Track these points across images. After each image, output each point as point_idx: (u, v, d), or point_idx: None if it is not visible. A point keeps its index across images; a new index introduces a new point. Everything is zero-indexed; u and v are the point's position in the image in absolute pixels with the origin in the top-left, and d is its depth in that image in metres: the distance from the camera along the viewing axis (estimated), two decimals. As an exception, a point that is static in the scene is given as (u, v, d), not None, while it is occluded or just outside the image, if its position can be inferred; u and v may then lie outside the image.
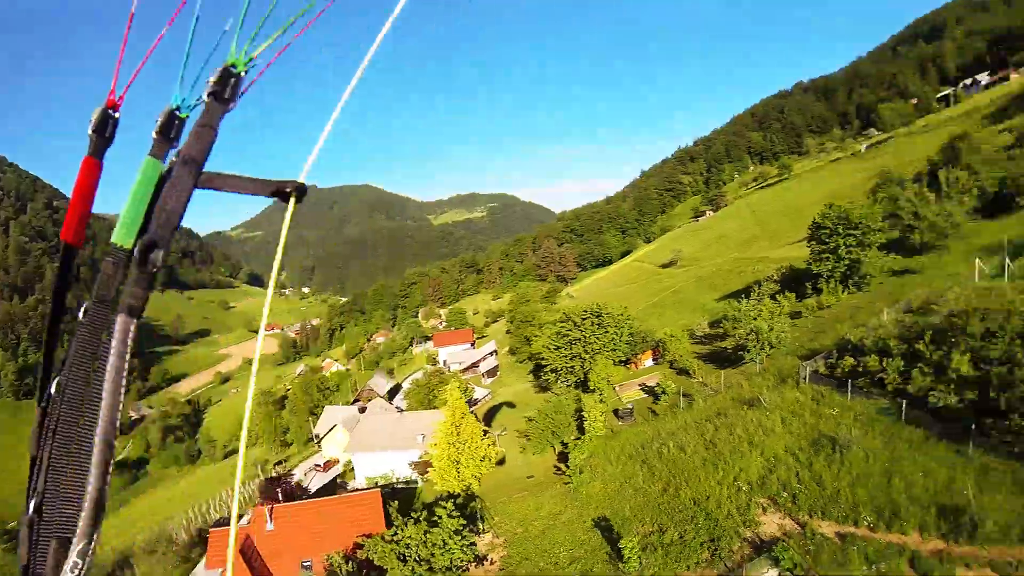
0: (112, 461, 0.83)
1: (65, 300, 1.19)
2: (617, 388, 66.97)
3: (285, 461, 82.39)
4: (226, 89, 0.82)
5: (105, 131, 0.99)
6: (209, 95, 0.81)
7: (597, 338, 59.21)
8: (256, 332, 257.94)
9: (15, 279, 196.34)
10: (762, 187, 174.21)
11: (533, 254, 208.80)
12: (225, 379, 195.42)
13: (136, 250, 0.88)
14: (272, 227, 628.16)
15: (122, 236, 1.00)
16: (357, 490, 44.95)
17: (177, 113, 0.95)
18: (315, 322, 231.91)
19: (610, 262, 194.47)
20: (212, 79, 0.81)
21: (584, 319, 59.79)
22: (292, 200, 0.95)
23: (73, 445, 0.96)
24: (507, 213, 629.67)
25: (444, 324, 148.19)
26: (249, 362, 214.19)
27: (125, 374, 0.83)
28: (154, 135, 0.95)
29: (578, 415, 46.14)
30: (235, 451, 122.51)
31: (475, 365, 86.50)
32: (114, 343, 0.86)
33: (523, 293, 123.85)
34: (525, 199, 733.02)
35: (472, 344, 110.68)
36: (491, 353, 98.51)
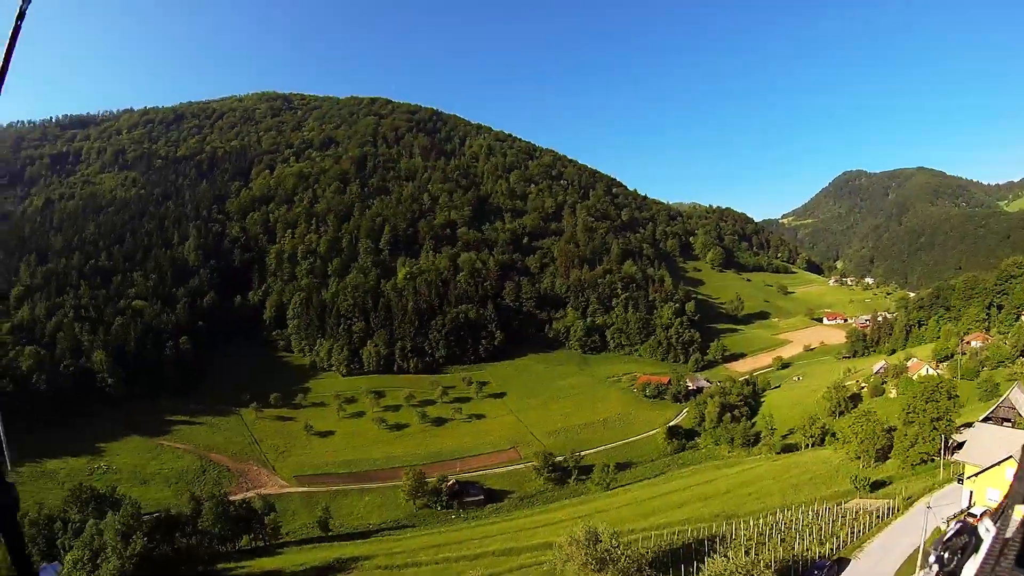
0: None
1: None
2: None
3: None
4: None
5: None
6: None
7: None
8: (819, 320, 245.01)
9: (584, 252, 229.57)
10: None
11: None
12: (784, 365, 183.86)
13: None
14: (825, 215, 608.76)
15: None
16: None
17: None
18: (887, 315, 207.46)
19: None
20: None
21: None
22: None
23: None
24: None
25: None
26: (809, 349, 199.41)
27: None
28: None
29: None
30: (795, 446, 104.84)
31: None
32: None
33: None
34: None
35: None
36: None
